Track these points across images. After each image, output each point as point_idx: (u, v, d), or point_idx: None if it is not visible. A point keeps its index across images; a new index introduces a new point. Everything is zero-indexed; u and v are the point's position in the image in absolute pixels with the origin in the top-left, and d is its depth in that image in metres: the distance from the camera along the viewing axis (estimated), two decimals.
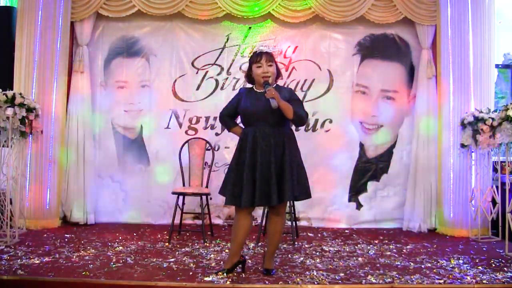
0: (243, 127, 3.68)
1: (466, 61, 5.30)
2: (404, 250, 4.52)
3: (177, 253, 4.27)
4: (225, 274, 3.52)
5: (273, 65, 3.59)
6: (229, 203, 3.58)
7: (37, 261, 3.84)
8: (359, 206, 5.70)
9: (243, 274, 3.61)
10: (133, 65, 5.70)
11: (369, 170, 5.73)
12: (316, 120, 5.70)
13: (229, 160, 5.63)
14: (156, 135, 5.70)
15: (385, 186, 5.72)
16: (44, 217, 5.19)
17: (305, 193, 3.55)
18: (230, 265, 3.59)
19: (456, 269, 3.87)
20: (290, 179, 3.43)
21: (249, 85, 3.76)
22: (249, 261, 4.00)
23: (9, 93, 4.47)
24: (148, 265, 3.84)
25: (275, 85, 3.63)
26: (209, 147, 5.23)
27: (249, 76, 3.68)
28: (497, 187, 5.04)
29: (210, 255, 4.19)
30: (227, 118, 3.80)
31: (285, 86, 5.62)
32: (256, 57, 3.59)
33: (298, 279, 3.51)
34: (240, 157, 3.54)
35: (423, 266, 3.95)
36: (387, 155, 5.75)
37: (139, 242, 4.64)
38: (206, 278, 3.49)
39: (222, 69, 5.72)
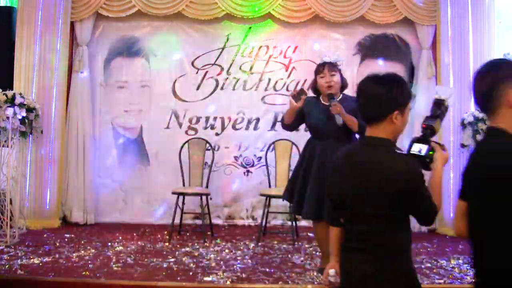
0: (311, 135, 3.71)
1: (466, 61, 5.29)
2: None
3: (177, 253, 4.27)
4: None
5: (336, 74, 3.57)
6: (294, 212, 3.84)
7: (37, 261, 3.85)
8: None
9: (243, 274, 3.61)
10: (133, 65, 5.70)
11: None
12: None
13: (229, 160, 5.79)
14: (156, 135, 5.69)
15: None
16: (44, 217, 5.18)
17: None
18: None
19: (456, 269, 3.87)
20: None
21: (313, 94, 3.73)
22: (249, 261, 4.01)
23: (9, 93, 4.48)
24: (148, 265, 3.84)
25: (340, 96, 3.62)
26: (209, 147, 5.23)
27: (315, 89, 3.67)
28: None
29: (210, 255, 4.19)
30: (288, 126, 3.80)
31: (285, 86, 5.65)
32: (318, 68, 3.59)
33: (298, 279, 3.52)
34: (307, 167, 3.54)
35: (423, 266, 3.95)
36: None
37: (139, 242, 4.64)
38: (206, 278, 3.50)
39: (222, 69, 5.71)
